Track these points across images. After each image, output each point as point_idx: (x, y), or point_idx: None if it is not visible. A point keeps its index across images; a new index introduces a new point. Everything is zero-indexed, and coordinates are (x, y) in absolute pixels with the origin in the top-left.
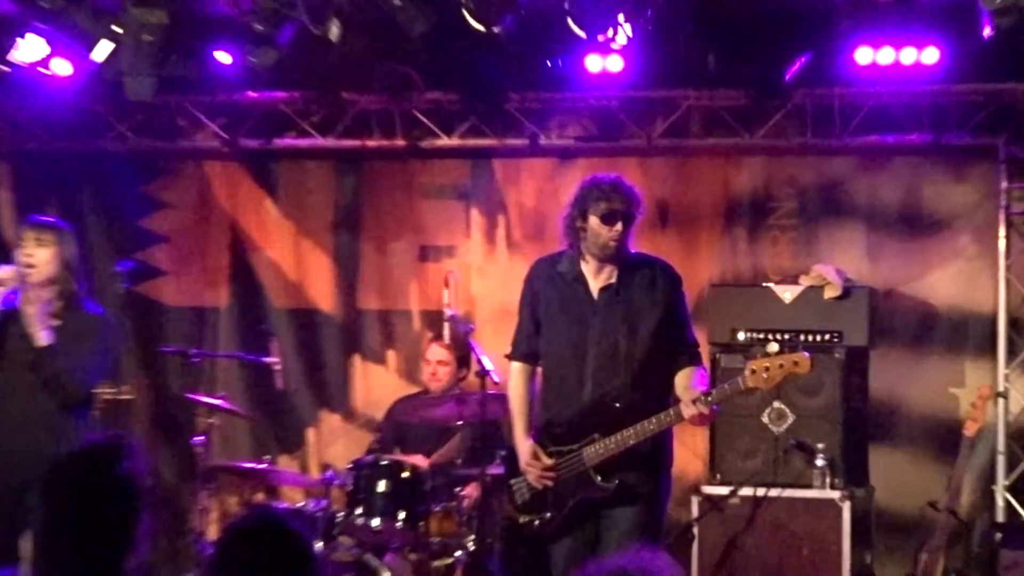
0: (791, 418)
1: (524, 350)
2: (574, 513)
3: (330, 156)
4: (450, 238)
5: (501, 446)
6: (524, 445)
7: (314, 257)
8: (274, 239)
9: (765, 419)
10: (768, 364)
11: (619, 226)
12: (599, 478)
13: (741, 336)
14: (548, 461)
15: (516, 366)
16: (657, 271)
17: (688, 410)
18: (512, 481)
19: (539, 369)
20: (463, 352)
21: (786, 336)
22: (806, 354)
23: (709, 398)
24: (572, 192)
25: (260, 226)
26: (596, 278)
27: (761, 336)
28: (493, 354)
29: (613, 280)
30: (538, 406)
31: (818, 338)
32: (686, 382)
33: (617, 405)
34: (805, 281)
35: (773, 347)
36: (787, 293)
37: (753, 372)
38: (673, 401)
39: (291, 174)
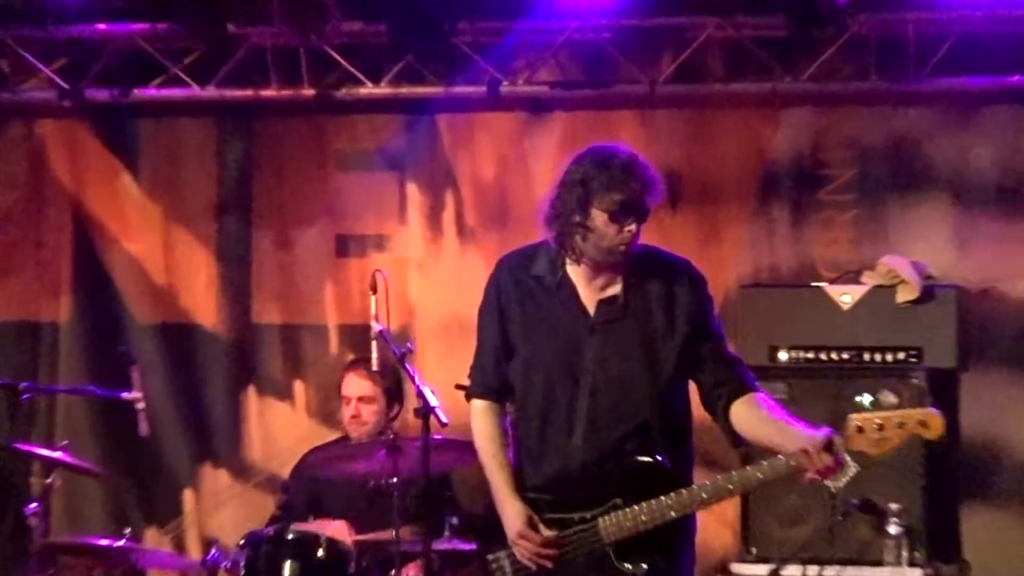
0: (853, 468)
1: (488, 382)
2: None
3: (211, 112)
4: (379, 224)
5: (452, 510)
6: (513, 507)
7: (191, 253)
8: (135, 228)
9: None
10: (883, 421)
11: (633, 225)
12: (617, 559)
13: (783, 356)
14: (549, 535)
15: (479, 405)
16: (673, 271)
17: (815, 461)
18: (491, 557)
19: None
20: (395, 382)
21: (844, 355)
22: (935, 411)
23: (838, 441)
24: (548, 160)
25: (115, 210)
26: (590, 285)
27: (810, 356)
28: (439, 384)
29: (616, 289)
30: (515, 459)
31: (888, 358)
32: (769, 418)
33: (648, 459)
34: (870, 279)
35: (889, 398)
36: (845, 296)
37: (860, 431)
38: (728, 441)
39: (157, 138)
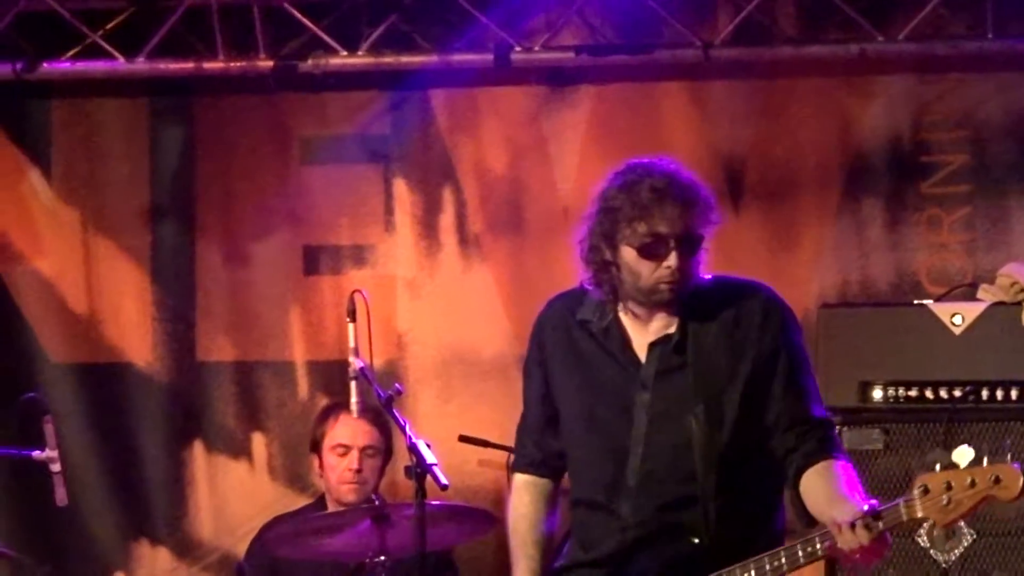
0: (968, 537)
1: (534, 455)
2: None
3: (141, 90)
4: (358, 232)
5: None
6: None
7: (118, 272)
8: (47, 241)
9: (922, 540)
10: (954, 482)
11: (673, 259)
12: None
13: (877, 395)
14: None
15: (519, 480)
16: (747, 303)
17: (845, 539)
18: None
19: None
20: (389, 433)
21: (956, 392)
22: (1014, 466)
23: (880, 521)
24: (573, 146)
25: (21, 218)
26: (645, 329)
27: (913, 393)
28: (436, 436)
29: (672, 329)
30: (571, 546)
31: (1013, 394)
32: (829, 487)
33: (694, 541)
34: (988, 295)
35: (965, 452)
36: (957, 317)
37: (926, 493)
38: (801, 522)
39: (73, 124)
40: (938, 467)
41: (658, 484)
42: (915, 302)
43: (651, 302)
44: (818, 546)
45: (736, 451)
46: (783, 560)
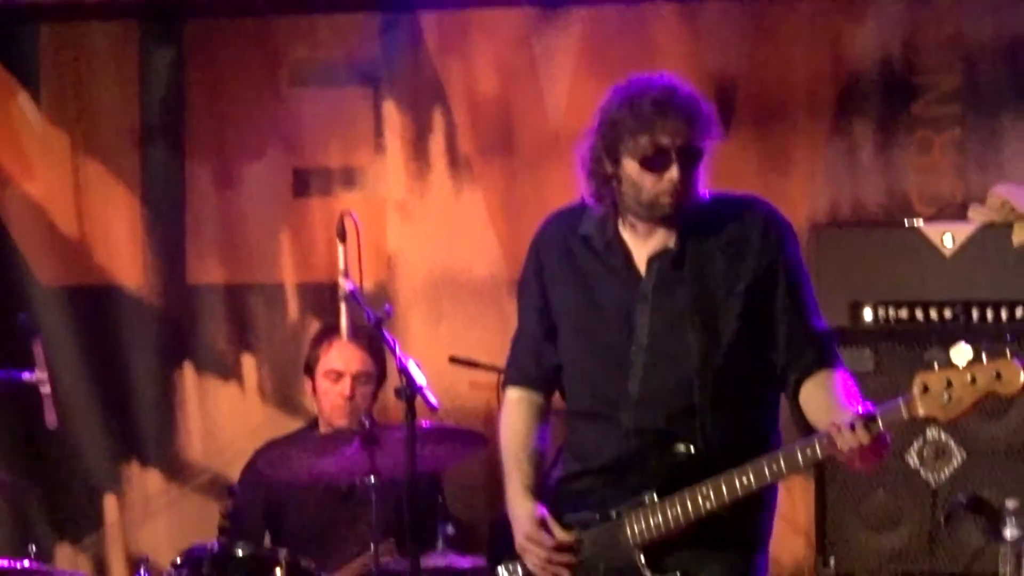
0: (958, 457)
1: (529, 370)
2: None
3: (130, 12)
4: (347, 154)
5: (446, 518)
6: (523, 508)
7: (108, 195)
8: (36, 164)
9: (912, 459)
10: (954, 379)
11: (674, 171)
12: (648, 565)
13: (868, 315)
14: (564, 536)
15: (512, 395)
16: (746, 218)
17: (844, 439)
18: (500, 570)
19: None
20: (378, 351)
21: (946, 313)
22: (1015, 361)
23: (879, 422)
24: (565, 68)
25: (10, 140)
26: (645, 244)
27: (903, 314)
28: (426, 357)
29: (672, 244)
30: (563, 460)
31: (1003, 314)
32: (827, 396)
33: (685, 448)
34: (978, 215)
35: (963, 349)
36: (947, 237)
37: (926, 390)
38: (800, 432)
39: (62, 47)
40: (937, 365)
41: (658, 395)
42: (906, 223)
43: (652, 216)
44: (818, 449)
45: (734, 364)
46: (782, 464)
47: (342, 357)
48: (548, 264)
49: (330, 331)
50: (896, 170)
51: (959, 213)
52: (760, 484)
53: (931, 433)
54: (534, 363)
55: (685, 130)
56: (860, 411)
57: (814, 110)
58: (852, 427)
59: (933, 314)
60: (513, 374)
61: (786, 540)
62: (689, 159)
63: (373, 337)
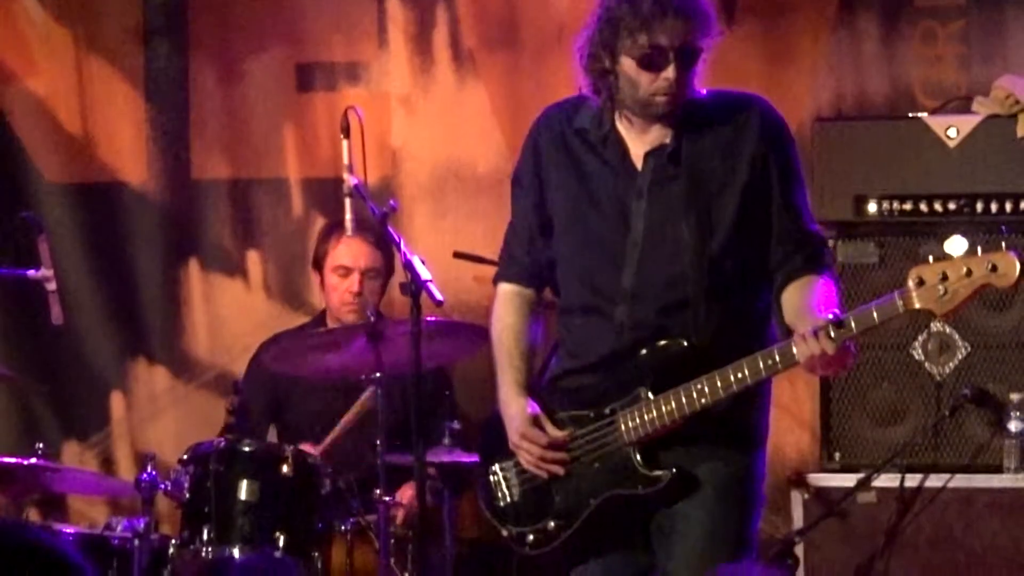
0: (963, 350)
1: (522, 264)
2: (599, 521)
3: None
4: (351, 49)
5: (451, 415)
6: (516, 405)
7: (112, 91)
8: (39, 61)
9: (917, 353)
10: (949, 271)
11: (671, 71)
12: (643, 462)
13: (872, 208)
14: (557, 433)
15: (504, 290)
16: (743, 115)
17: (804, 347)
18: (494, 468)
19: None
20: (385, 245)
21: (951, 205)
22: (1011, 253)
23: (841, 328)
24: None
25: (13, 38)
26: (641, 139)
27: (907, 207)
28: (431, 252)
29: (668, 139)
30: (558, 358)
31: (1008, 207)
32: (802, 301)
33: (683, 342)
34: (983, 107)
35: (958, 243)
36: (952, 129)
37: (921, 283)
38: (780, 335)
39: None
40: (931, 259)
41: (653, 288)
42: (910, 115)
43: (647, 114)
44: (777, 357)
45: (728, 259)
46: (746, 372)
47: (350, 252)
48: (545, 156)
49: (338, 226)
50: (900, 62)
51: (963, 106)
52: (755, 379)
53: (935, 326)
54: (527, 257)
55: (684, 30)
56: (825, 318)
57: (817, 2)
58: (815, 335)
59: (938, 206)
60: (505, 269)
61: (791, 434)
62: (687, 59)
63: (380, 232)
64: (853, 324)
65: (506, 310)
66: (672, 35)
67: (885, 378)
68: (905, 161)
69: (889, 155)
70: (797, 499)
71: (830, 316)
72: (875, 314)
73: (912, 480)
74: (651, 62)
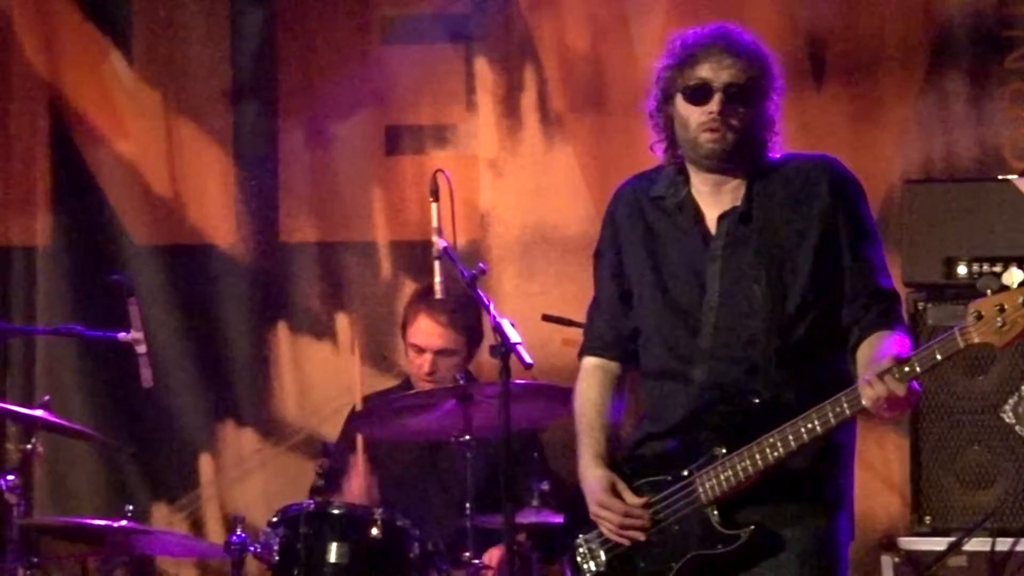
0: None
1: (605, 337)
2: None
3: None
4: (439, 112)
5: (540, 476)
6: (594, 476)
7: (200, 153)
8: (129, 123)
9: (1008, 416)
10: (1006, 303)
11: (715, 103)
12: (721, 521)
13: (962, 269)
14: (635, 500)
15: (590, 363)
16: (815, 174)
17: (870, 391)
18: (579, 539)
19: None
20: (474, 318)
21: None
22: None
23: (906, 368)
24: (655, 23)
25: (103, 100)
26: (715, 203)
27: (998, 269)
28: (519, 315)
29: (739, 201)
30: (639, 424)
31: None
32: (872, 352)
33: (755, 400)
34: None
35: (1016, 275)
36: None
37: (980, 317)
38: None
39: (154, 5)
40: (989, 292)
41: (729, 349)
42: (999, 177)
43: (699, 157)
44: (844, 404)
45: (802, 320)
46: (815, 422)
47: (422, 333)
48: (623, 227)
49: (418, 300)
50: (989, 124)
51: None
52: (825, 428)
53: None
54: (610, 329)
55: (730, 65)
56: (892, 357)
57: (906, 64)
58: (881, 377)
59: None
60: (589, 343)
61: (880, 497)
62: (734, 97)
63: (456, 310)
64: (917, 364)
65: (588, 384)
66: (718, 70)
67: (975, 441)
68: (994, 223)
69: (978, 217)
70: (887, 563)
71: (892, 356)
72: (937, 352)
73: (1003, 544)
74: (696, 95)
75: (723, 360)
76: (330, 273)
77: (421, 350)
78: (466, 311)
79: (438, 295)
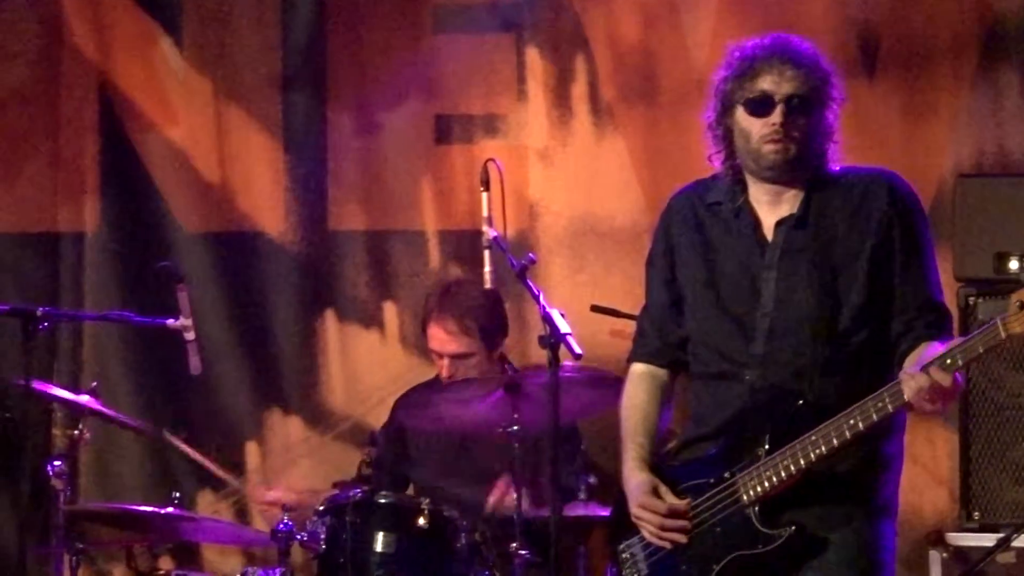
0: None
1: (654, 344)
2: None
3: None
4: (490, 102)
5: (586, 470)
6: (635, 479)
7: (249, 141)
8: (179, 110)
9: None
10: None
11: (777, 115)
12: (762, 521)
13: (1014, 264)
14: (676, 502)
15: (638, 369)
16: (873, 187)
17: (912, 383)
18: (623, 545)
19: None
20: (489, 315)
21: None
22: None
23: (948, 359)
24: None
25: (153, 87)
26: (772, 211)
27: None
28: (568, 305)
29: (795, 208)
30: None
31: None
32: (914, 357)
33: (799, 400)
34: None
35: None
36: None
37: (1022, 307)
38: None
39: None
40: None
41: (783, 354)
42: None
43: (761, 168)
44: (887, 398)
45: (854, 330)
46: (857, 418)
47: (436, 339)
48: (677, 235)
49: (428, 307)
50: None
51: None
52: (867, 423)
53: None
54: (659, 336)
55: (792, 76)
56: (934, 351)
57: (958, 57)
58: (924, 370)
59: None
60: (638, 349)
61: (929, 492)
62: (796, 107)
63: (464, 315)
64: (959, 354)
65: (636, 389)
66: (780, 81)
67: (1023, 436)
68: None
69: None
70: (935, 558)
71: (935, 352)
72: (979, 344)
73: None
74: (757, 107)
75: (777, 364)
76: (378, 262)
77: (439, 355)
78: (477, 312)
79: (488, 285)
